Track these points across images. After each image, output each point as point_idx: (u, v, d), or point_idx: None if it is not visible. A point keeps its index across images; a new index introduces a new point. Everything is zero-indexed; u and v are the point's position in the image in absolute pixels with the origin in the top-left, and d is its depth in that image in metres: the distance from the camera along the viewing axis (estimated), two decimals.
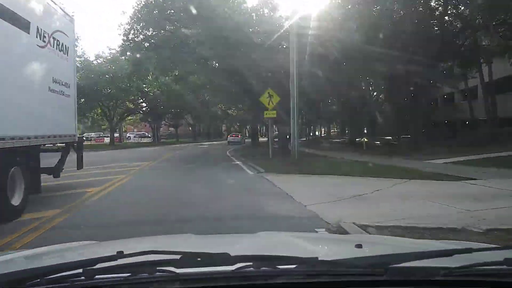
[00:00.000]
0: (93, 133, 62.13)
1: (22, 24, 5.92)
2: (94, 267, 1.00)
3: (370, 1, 18.77)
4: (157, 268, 1.00)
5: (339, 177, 9.85)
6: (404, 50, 19.79)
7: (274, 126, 21.15)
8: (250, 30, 17.25)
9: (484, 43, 23.83)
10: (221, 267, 1.02)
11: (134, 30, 17.95)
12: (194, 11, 16.44)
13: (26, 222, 5.50)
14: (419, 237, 4.07)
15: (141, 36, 18.20)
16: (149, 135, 57.01)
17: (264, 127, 58.50)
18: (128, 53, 19.00)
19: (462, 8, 20.83)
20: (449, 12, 21.62)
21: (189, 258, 1.02)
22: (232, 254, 1.03)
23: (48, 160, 8.04)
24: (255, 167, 13.30)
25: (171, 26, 18.03)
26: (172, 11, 17.44)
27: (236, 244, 2.01)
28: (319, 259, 1.06)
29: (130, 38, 18.11)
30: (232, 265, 1.01)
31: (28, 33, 6.17)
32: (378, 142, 31.14)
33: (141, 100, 46.44)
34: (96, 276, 0.98)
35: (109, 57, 36.79)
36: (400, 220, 5.09)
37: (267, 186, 9.16)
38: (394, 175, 9.59)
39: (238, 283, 1.01)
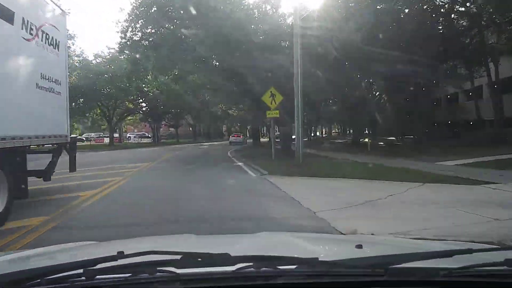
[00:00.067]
0: (93, 133, 61.76)
1: (4, 14, 5.38)
2: (95, 267, 0.99)
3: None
4: (158, 268, 0.99)
5: (347, 180, 9.31)
6: (408, 50, 19.32)
7: (275, 127, 20.67)
8: (252, 27, 16.73)
9: (491, 42, 23.32)
10: (221, 267, 1.02)
11: (132, 28, 17.41)
12: (193, 8, 15.93)
13: (7, 232, 4.97)
14: None
15: (139, 34, 17.65)
16: (149, 136, 56.55)
17: (264, 128, 58.11)
18: (126, 52, 18.43)
19: (470, 5, 20.29)
20: (455, 9, 21.08)
21: (189, 259, 1.02)
22: (233, 254, 1.03)
23: (43, 161, 7.56)
24: (258, 169, 12.77)
25: (170, 24, 17.48)
26: (171, 8, 16.90)
27: (237, 244, 1.99)
28: (320, 259, 1.06)
29: (128, 36, 17.58)
30: (232, 265, 1.01)
31: (12, 24, 5.63)
32: (382, 143, 30.58)
33: (141, 100, 45.95)
34: (97, 277, 0.97)
35: (108, 57, 36.33)
36: (423, 230, 4.56)
37: (272, 190, 8.61)
38: (406, 178, 9.05)
39: (238, 284, 1.01)
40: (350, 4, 18.55)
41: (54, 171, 7.68)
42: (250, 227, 5.22)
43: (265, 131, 65.41)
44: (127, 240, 2.45)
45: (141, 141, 52.99)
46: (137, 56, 18.45)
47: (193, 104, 41.13)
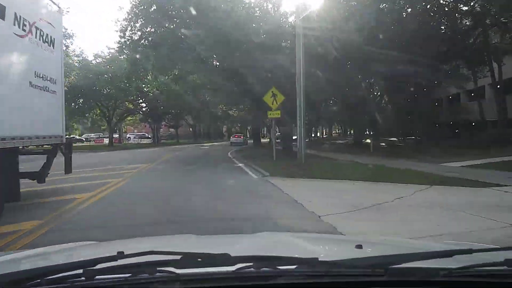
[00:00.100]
0: (92, 134, 61.55)
1: None
2: (95, 267, 0.99)
3: None
4: (158, 268, 0.99)
5: (352, 183, 9.04)
6: (409, 50, 19.07)
7: (274, 127, 20.43)
8: (254, 25, 16.47)
9: (494, 41, 23.07)
10: (221, 267, 1.01)
11: (131, 27, 17.14)
12: (193, 8, 15.68)
13: None
14: None
15: (139, 34, 17.38)
16: (149, 136, 56.30)
17: (265, 128, 57.85)
18: (125, 51, 18.16)
19: (474, 4, 20.01)
20: (459, 9, 20.80)
21: (189, 259, 1.01)
22: (233, 254, 1.02)
23: (38, 162, 7.31)
24: (259, 170, 12.51)
25: (170, 23, 17.22)
26: (171, 7, 16.63)
27: (237, 244, 1.99)
28: (320, 259, 1.05)
29: (127, 35, 17.31)
30: (232, 265, 1.01)
31: (3, 19, 5.39)
32: (383, 144, 30.31)
33: (141, 101, 45.69)
34: (97, 277, 0.97)
35: (108, 57, 36.08)
36: (437, 237, 4.29)
37: (274, 193, 8.35)
38: (412, 180, 8.79)
39: (238, 284, 1.00)
40: (352, 3, 18.29)
41: (48, 173, 7.43)
42: (252, 231, 4.98)
43: (265, 132, 65.20)
44: (127, 240, 2.46)
45: (141, 142, 52.77)
46: (137, 56, 18.16)
47: (193, 104, 40.87)
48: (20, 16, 5.83)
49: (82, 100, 36.08)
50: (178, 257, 1.01)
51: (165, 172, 13.42)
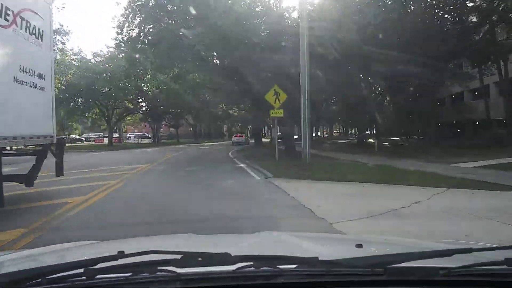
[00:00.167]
0: (92, 134, 61.14)
1: None
2: (95, 267, 0.99)
3: None
4: (158, 268, 0.99)
5: (361, 185, 8.50)
6: (412, 49, 18.57)
7: (276, 127, 19.94)
8: (256, 21, 15.95)
9: (501, 39, 22.53)
10: (221, 267, 1.01)
11: (128, 23, 16.60)
12: (192, 3, 15.16)
13: None
14: None
15: (136, 30, 16.84)
16: (149, 136, 55.82)
17: (265, 127, 57.33)
18: (122, 48, 17.61)
19: (480, 1, 19.46)
20: (465, 5, 20.24)
21: (189, 258, 1.01)
22: (233, 254, 1.02)
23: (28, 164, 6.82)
24: (262, 171, 11.99)
25: (169, 19, 16.67)
26: (170, 2, 16.07)
27: (237, 244, 1.97)
28: (320, 259, 1.05)
29: (124, 32, 16.76)
30: (232, 265, 1.01)
31: None
32: (386, 143, 29.77)
33: (140, 100, 45.18)
34: (97, 276, 0.97)
35: (107, 55, 35.57)
36: None
37: (279, 195, 7.82)
38: (426, 182, 8.26)
39: (238, 283, 1.00)
40: (353, 2, 17.75)
41: (37, 176, 6.93)
42: None
43: (265, 131, 64.69)
44: (127, 240, 2.51)
45: (141, 142, 52.32)
46: (135, 53, 17.62)
47: (193, 103, 40.38)
48: (1, 4, 5.31)
49: (81, 99, 35.60)
50: (179, 256, 1.01)
51: (164, 173, 12.89)
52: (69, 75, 32.29)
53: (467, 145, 22.93)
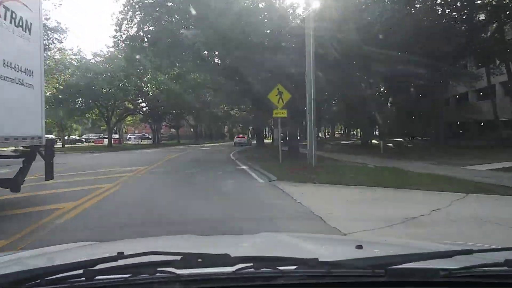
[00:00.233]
0: (92, 134, 60.74)
1: None
2: (95, 268, 0.99)
3: None
4: (158, 269, 0.98)
5: (373, 189, 7.96)
6: (419, 48, 18.10)
7: (279, 127, 19.46)
8: (260, 17, 15.45)
9: (510, 38, 21.99)
10: (221, 268, 1.01)
11: (127, 21, 16.08)
12: (192, 2, 14.69)
13: None
14: None
15: (135, 27, 16.33)
16: (150, 137, 55.37)
17: (267, 128, 56.86)
18: (121, 46, 17.10)
19: None
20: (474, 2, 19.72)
21: (189, 259, 1.01)
22: (233, 255, 1.02)
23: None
24: (265, 174, 11.47)
25: (169, 16, 16.17)
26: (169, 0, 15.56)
27: (237, 245, 1.95)
28: (320, 260, 1.04)
29: (123, 29, 16.26)
30: (232, 266, 1.00)
31: None
32: (391, 144, 29.21)
33: (140, 100, 44.71)
34: (97, 277, 0.97)
35: (107, 55, 35.11)
36: None
37: (285, 201, 7.29)
38: (442, 186, 7.72)
39: (238, 284, 1.00)
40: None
41: (24, 180, 6.42)
42: None
43: (266, 132, 64.20)
44: (127, 241, 2.54)
45: (141, 143, 51.88)
46: (134, 52, 17.11)
47: (194, 104, 39.92)
48: None
49: (80, 100, 35.15)
50: (178, 257, 1.00)
51: (163, 176, 12.37)
52: (68, 75, 31.80)
53: (474, 146, 22.43)
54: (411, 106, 34.91)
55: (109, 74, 33.37)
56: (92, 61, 35.60)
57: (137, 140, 55.33)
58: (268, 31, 16.41)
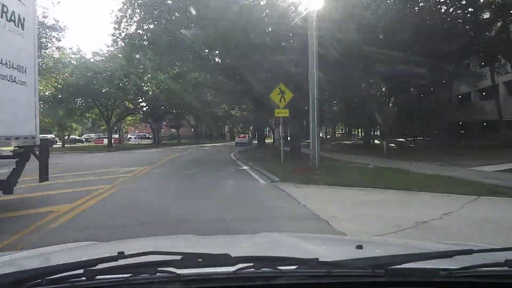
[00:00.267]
0: (92, 134, 60.58)
1: None
2: (95, 267, 0.99)
3: None
4: (158, 268, 0.98)
5: (380, 191, 7.68)
6: (423, 47, 17.84)
7: (280, 127, 19.20)
8: (261, 15, 15.18)
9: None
10: (222, 267, 1.01)
11: (126, 18, 15.81)
12: (192, 2, 14.43)
13: None
14: None
15: (134, 25, 16.04)
16: (150, 136, 55.13)
17: (267, 128, 56.59)
18: (120, 44, 16.81)
19: None
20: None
21: (190, 259, 1.01)
22: (233, 254, 1.02)
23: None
24: (267, 174, 11.21)
25: (169, 15, 15.89)
26: None
27: (237, 244, 1.96)
28: (320, 260, 1.04)
29: (122, 27, 15.98)
30: (233, 265, 1.00)
31: None
32: (393, 145, 28.91)
33: (140, 100, 44.44)
34: (97, 277, 0.97)
35: (107, 54, 34.85)
36: None
37: (288, 203, 7.02)
38: (451, 189, 7.44)
39: (238, 284, 1.00)
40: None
41: (17, 182, 6.16)
42: None
43: (267, 132, 63.91)
44: (127, 240, 2.67)
45: (142, 142, 51.65)
46: (133, 50, 16.82)
47: (194, 104, 39.66)
48: None
49: (80, 99, 34.91)
50: (179, 257, 1.00)
51: (162, 177, 12.10)
52: (67, 74, 31.55)
53: (478, 146, 22.15)
54: (412, 106, 34.64)
55: (108, 73, 33.11)
56: (92, 60, 35.37)
57: (138, 140, 55.11)
58: (270, 29, 16.12)
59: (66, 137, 45.65)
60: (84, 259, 1.24)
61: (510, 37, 20.23)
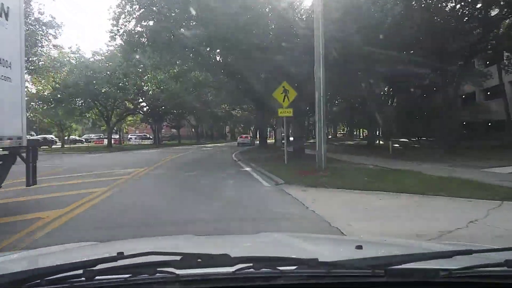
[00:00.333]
0: (92, 134, 60.20)
1: None
2: (95, 268, 0.98)
3: None
4: (158, 269, 0.98)
5: (394, 196, 7.15)
6: (434, 45, 17.34)
7: (284, 127, 18.69)
8: (265, 10, 14.68)
9: None
10: (221, 268, 1.01)
11: (125, 14, 15.30)
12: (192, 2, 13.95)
13: None
14: None
15: (133, 22, 15.53)
16: (150, 137, 54.73)
17: (268, 128, 56.07)
18: (118, 40, 16.33)
19: None
20: None
21: (189, 259, 1.00)
22: (233, 255, 1.02)
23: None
24: (270, 176, 10.70)
25: (169, 11, 15.39)
26: None
27: (237, 245, 1.94)
28: (320, 260, 1.03)
29: (120, 23, 15.46)
30: (232, 266, 1.00)
31: None
32: (397, 145, 28.39)
33: (141, 100, 43.99)
34: (96, 277, 0.97)
35: (107, 54, 34.40)
36: None
37: (295, 209, 6.50)
38: (471, 193, 6.91)
39: (238, 284, 1.00)
40: None
41: (1, 186, 5.66)
42: None
43: (268, 132, 63.45)
44: (127, 241, 2.59)
45: (142, 143, 51.25)
46: (131, 47, 16.31)
47: (195, 104, 39.22)
48: None
49: (79, 99, 34.47)
50: (178, 257, 1.00)
51: (161, 179, 11.59)
52: (64, 73, 31.08)
53: (485, 146, 21.64)
54: (416, 106, 34.15)
55: (108, 73, 32.68)
56: (92, 59, 34.90)
57: (138, 140, 54.75)
58: (272, 26, 15.62)
59: (66, 138, 45.24)
60: (84, 259, 1.25)
61: None
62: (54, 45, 26.81)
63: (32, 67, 24.85)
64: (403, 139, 37.66)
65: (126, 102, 41.47)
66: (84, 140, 55.90)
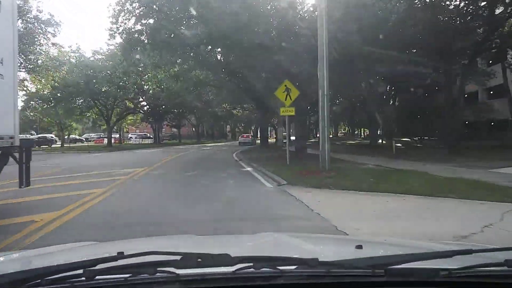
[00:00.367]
0: (93, 134, 60.10)
1: None
2: (95, 267, 0.99)
3: None
4: (158, 268, 0.98)
5: (401, 197, 6.90)
6: (438, 43, 17.08)
7: (286, 126, 18.45)
8: (268, 7, 14.44)
9: None
10: (221, 268, 1.00)
11: (124, 12, 15.06)
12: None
13: None
14: None
15: (133, 19, 15.28)
16: (151, 136, 54.54)
17: (269, 128, 55.81)
18: (117, 38, 16.11)
19: None
20: None
21: (189, 259, 1.00)
22: (233, 255, 1.02)
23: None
24: (273, 177, 10.45)
25: (169, 9, 15.15)
26: None
27: (237, 244, 1.94)
28: (320, 260, 1.03)
29: (119, 21, 15.23)
30: (232, 266, 1.00)
31: None
32: (399, 144, 28.12)
33: (141, 99, 43.78)
34: (97, 277, 0.97)
35: (107, 53, 34.20)
36: None
37: (299, 211, 6.25)
38: (479, 194, 6.64)
39: (238, 284, 1.00)
40: None
41: None
42: None
43: (269, 132, 63.17)
44: (127, 241, 2.58)
45: (142, 142, 51.06)
46: (131, 45, 16.08)
47: (195, 103, 38.99)
48: None
49: (79, 98, 34.27)
50: (178, 257, 1.00)
51: (161, 179, 11.33)
52: (64, 72, 30.86)
53: (489, 146, 21.37)
54: (418, 106, 33.89)
55: (108, 72, 32.46)
56: (92, 58, 34.70)
57: (138, 139, 54.59)
58: (275, 24, 15.38)
59: (66, 137, 45.07)
60: (84, 259, 1.25)
61: None
62: (53, 43, 26.59)
63: (31, 66, 24.63)
64: (405, 138, 37.41)
65: (126, 101, 41.27)
66: (84, 139, 55.78)
